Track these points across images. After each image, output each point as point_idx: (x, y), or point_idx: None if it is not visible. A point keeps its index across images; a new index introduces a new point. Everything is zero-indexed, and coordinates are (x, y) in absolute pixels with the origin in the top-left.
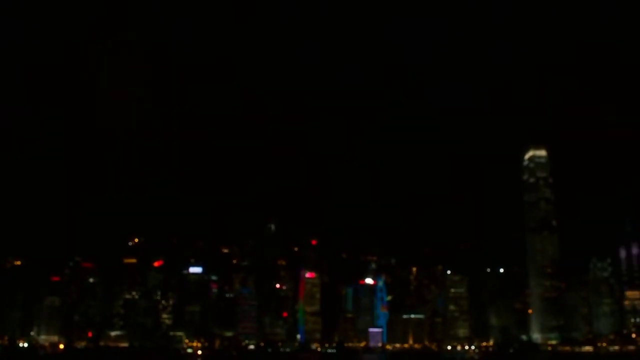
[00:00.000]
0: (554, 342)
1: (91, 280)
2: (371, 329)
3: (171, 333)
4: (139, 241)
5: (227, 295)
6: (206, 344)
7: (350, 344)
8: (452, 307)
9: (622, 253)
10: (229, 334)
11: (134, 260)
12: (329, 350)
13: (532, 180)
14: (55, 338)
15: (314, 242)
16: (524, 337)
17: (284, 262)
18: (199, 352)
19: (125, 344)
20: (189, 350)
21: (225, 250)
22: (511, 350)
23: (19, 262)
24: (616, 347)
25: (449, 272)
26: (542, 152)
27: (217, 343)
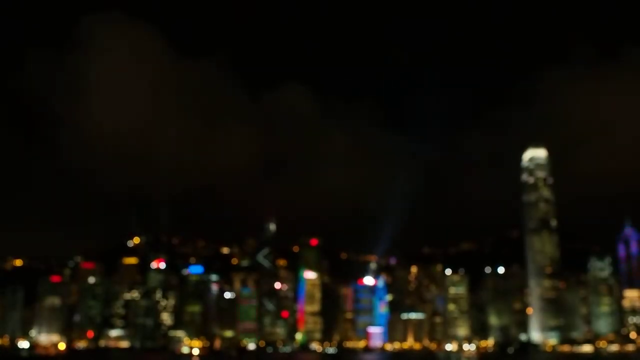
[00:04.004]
0: (553, 342)
1: (91, 280)
2: (371, 329)
3: (171, 333)
4: (139, 241)
5: (227, 295)
6: (207, 344)
7: (350, 344)
8: (451, 307)
9: (622, 253)
10: (229, 334)
11: (134, 260)
12: (329, 350)
13: (531, 180)
14: (55, 338)
15: (314, 242)
16: (523, 337)
17: (284, 262)
18: (196, 351)
19: (125, 344)
20: (185, 350)
21: (226, 250)
22: (510, 350)
23: (19, 262)
24: (615, 347)
25: (448, 271)
26: (542, 152)
27: (218, 343)
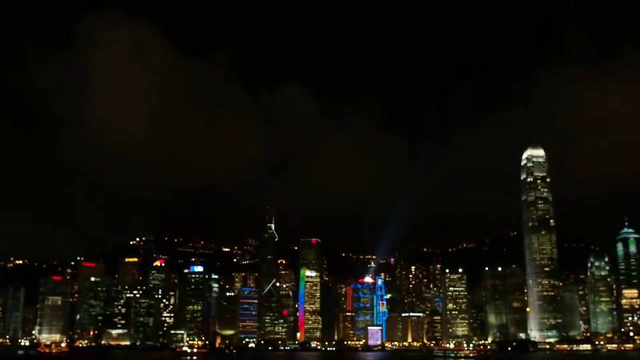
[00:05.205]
0: (551, 340)
1: (93, 279)
2: (370, 327)
3: (172, 332)
4: (140, 240)
5: (228, 294)
6: (207, 343)
7: (349, 342)
8: (450, 306)
9: (620, 252)
10: (230, 332)
11: (135, 260)
12: (329, 349)
13: (530, 179)
14: (57, 337)
15: (313, 241)
16: (522, 336)
17: (284, 261)
18: (194, 350)
19: (126, 343)
20: (185, 349)
21: (226, 250)
22: (509, 349)
23: (20, 262)
24: (614, 346)
25: (447, 270)
26: (540, 152)
27: (218, 342)
